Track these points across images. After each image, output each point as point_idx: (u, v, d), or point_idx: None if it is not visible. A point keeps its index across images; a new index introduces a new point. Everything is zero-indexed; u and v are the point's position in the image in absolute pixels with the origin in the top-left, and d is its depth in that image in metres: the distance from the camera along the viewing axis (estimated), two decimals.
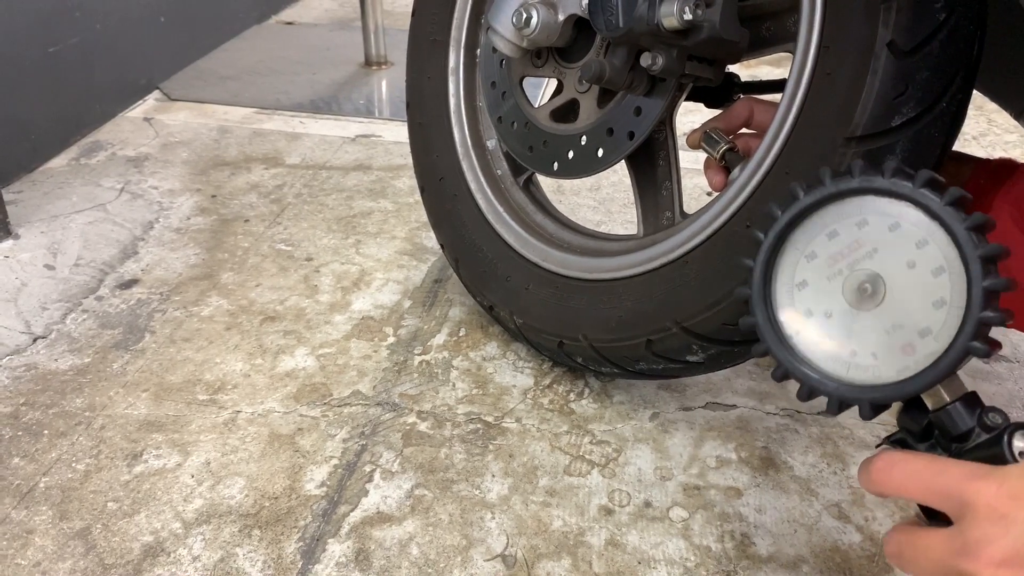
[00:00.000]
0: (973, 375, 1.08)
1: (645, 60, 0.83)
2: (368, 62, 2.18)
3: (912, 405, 0.59)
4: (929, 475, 0.53)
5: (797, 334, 0.62)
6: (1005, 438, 0.53)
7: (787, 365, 0.61)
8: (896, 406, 0.60)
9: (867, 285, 0.59)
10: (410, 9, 1.20)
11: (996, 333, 0.56)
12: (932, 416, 0.57)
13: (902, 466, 0.54)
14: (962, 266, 0.55)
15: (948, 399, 0.56)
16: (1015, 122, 1.08)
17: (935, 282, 0.56)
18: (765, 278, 0.64)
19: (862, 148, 0.73)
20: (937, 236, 0.57)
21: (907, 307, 0.57)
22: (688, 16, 0.77)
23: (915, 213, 0.58)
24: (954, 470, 0.52)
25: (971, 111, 1.94)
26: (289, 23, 2.58)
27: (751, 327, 0.63)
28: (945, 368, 0.55)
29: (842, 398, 0.59)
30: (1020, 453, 0.52)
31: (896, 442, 0.59)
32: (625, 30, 0.80)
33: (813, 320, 0.61)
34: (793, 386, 1.06)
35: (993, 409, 0.56)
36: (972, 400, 0.56)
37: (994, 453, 0.53)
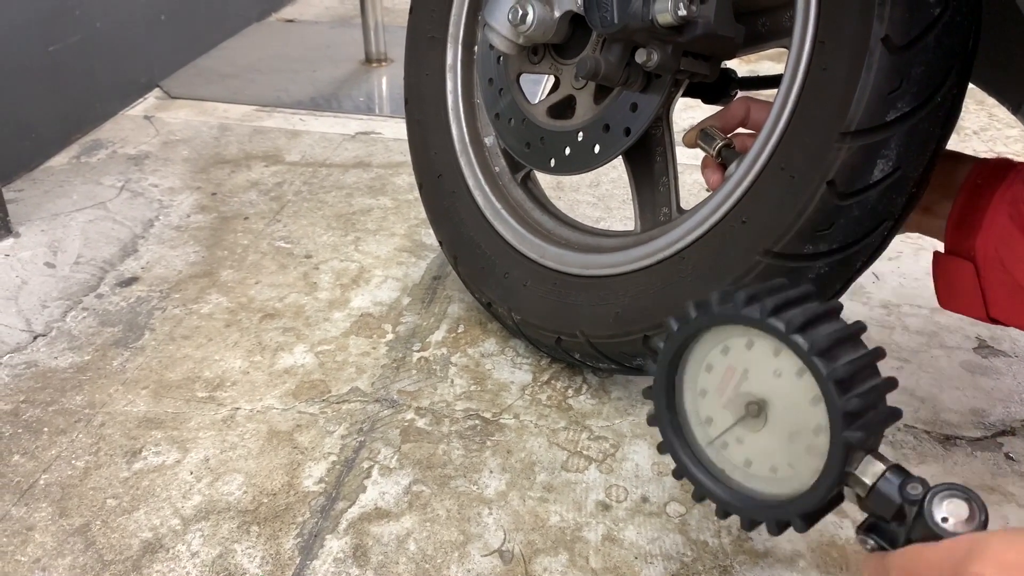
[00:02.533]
0: (972, 371, 1.08)
1: (640, 56, 0.83)
2: (368, 59, 2.18)
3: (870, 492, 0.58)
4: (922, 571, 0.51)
5: (726, 464, 0.64)
6: (926, 512, 0.52)
7: (726, 499, 0.63)
8: None
9: (753, 405, 0.61)
10: (409, 4, 1.20)
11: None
12: (866, 505, 0.56)
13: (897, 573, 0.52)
14: (808, 369, 0.56)
15: (869, 483, 0.55)
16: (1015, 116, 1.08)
17: (803, 383, 0.57)
18: (674, 425, 0.66)
19: (857, 143, 0.73)
20: (779, 346, 0.58)
21: (793, 413, 0.58)
22: (683, 12, 0.77)
23: (754, 331, 0.59)
24: (934, 558, 0.50)
25: (972, 106, 1.94)
26: (289, 20, 2.58)
27: (681, 474, 0.66)
28: (835, 467, 0.55)
29: (778, 521, 0.60)
30: (943, 520, 0.51)
31: (868, 529, 0.58)
32: (620, 26, 0.80)
33: (730, 449, 0.63)
34: None
35: (910, 479, 0.54)
36: (894, 475, 0.55)
37: (925, 530, 0.52)
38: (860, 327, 0.59)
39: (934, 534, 0.51)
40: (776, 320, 0.56)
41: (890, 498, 0.54)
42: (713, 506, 0.65)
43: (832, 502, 0.58)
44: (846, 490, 0.57)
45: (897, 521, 0.55)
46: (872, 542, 0.56)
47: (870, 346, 0.59)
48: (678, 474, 0.66)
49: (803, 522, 0.58)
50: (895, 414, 0.56)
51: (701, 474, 0.65)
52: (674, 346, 0.64)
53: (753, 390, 0.60)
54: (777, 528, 0.59)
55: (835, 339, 0.56)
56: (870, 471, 0.55)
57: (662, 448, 0.67)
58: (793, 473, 0.59)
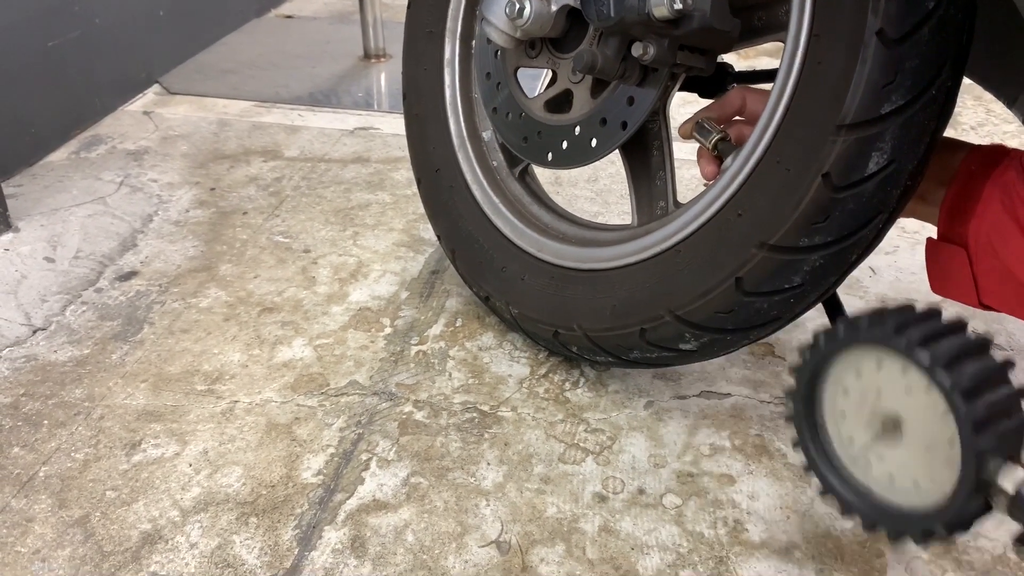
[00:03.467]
0: None
1: (637, 50, 0.83)
2: (367, 55, 2.18)
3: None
4: None
5: (873, 483, 0.67)
6: None
7: (872, 516, 0.66)
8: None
9: (888, 422, 0.63)
10: (406, 1, 1.21)
11: (993, 322, 0.56)
12: (1012, 513, 0.57)
13: None
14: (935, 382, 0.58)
15: (1011, 491, 0.56)
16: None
17: (932, 397, 0.59)
18: (819, 448, 0.71)
19: (852, 136, 0.74)
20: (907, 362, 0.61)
21: (926, 427, 0.60)
22: (679, 6, 0.77)
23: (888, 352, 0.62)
24: None
25: (970, 101, 1.94)
26: (288, 16, 2.58)
27: (831, 495, 0.70)
28: (968, 472, 0.56)
29: (924, 531, 0.62)
30: None
31: (1021, 540, 0.60)
32: (616, 20, 0.81)
33: (873, 467, 0.66)
34: (788, 375, 1.06)
35: None
36: None
37: None
38: (986, 340, 0.60)
39: None
40: (899, 337, 0.59)
41: None
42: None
43: (979, 511, 0.59)
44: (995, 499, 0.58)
45: None
46: None
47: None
48: (824, 491, 0.70)
49: (947, 531, 0.59)
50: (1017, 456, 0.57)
51: (845, 491, 0.68)
52: (818, 359, 0.68)
53: (887, 408, 0.63)
54: (923, 538, 0.61)
55: (959, 351, 0.57)
56: (1012, 478, 0.56)
57: (807, 469, 0.71)
58: (935, 485, 0.61)
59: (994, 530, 0.84)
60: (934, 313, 0.62)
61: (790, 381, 0.72)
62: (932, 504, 0.61)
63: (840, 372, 0.67)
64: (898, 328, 0.60)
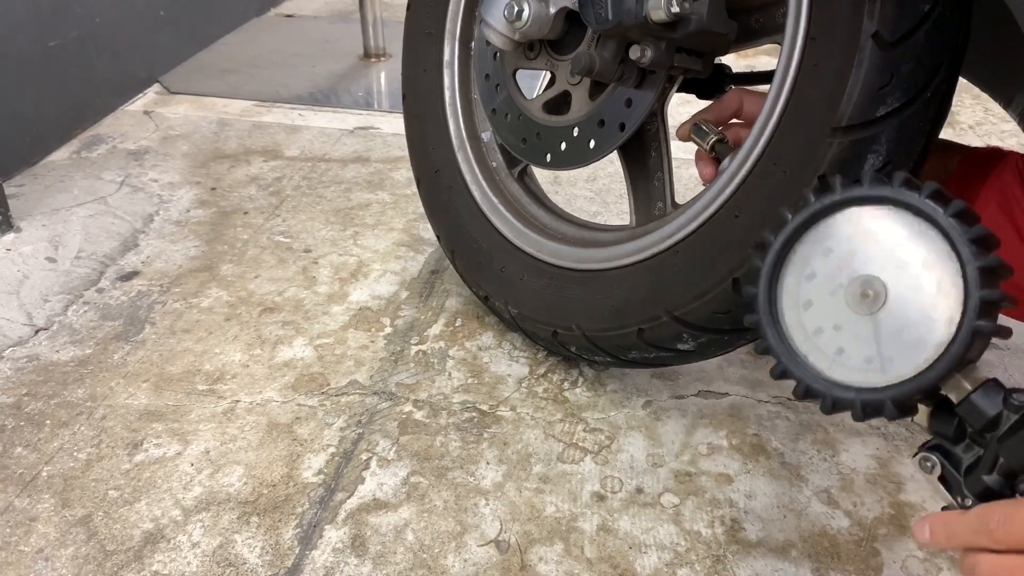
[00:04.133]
0: None
1: (634, 53, 0.84)
2: (367, 54, 2.18)
3: (940, 409, 0.59)
4: None
5: (812, 351, 0.63)
6: None
7: (807, 381, 0.62)
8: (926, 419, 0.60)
9: (868, 292, 0.60)
10: (406, 1, 1.21)
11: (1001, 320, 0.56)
12: (958, 410, 0.57)
13: (1014, 519, 0.51)
14: (953, 254, 0.56)
15: (969, 388, 0.56)
16: None
17: (929, 276, 0.57)
18: (770, 303, 0.65)
19: (848, 138, 0.74)
20: (923, 232, 0.58)
21: (909, 306, 0.58)
22: (675, 9, 0.78)
23: (898, 213, 0.59)
24: None
25: (968, 100, 1.95)
26: (288, 16, 2.59)
27: (764, 351, 0.65)
28: (957, 352, 0.55)
29: (864, 403, 0.59)
30: None
31: (932, 448, 0.59)
32: (614, 23, 0.81)
33: (824, 335, 0.63)
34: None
35: (1017, 390, 0.56)
36: (995, 385, 0.56)
37: (1015, 447, 0.53)
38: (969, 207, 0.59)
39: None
40: (933, 201, 0.57)
41: (986, 407, 0.55)
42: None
43: (924, 399, 0.59)
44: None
45: (971, 439, 0.56)
46: (935, 461, 0.58)
47: None
48: (761, 349, 0.65)
49: (896, 409, 0.58)
50: (1006, 330, 0.56)
51: (785, 354, 0.64)
52: (803, 218, 0.63)
53: (871, 278, 0.60)
54: (863, 412, 0.59)
55: (967, 211, 0.56)
56: (971, 377, 0.56)
57: (748, 322, 0.66)
58: (889, 366, 0.59)
59: None
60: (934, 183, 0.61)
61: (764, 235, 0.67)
62: (876, 384, 0.59)
63: (826, 231, 0.63)
64: (907, 184, 0.59)
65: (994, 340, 0.56)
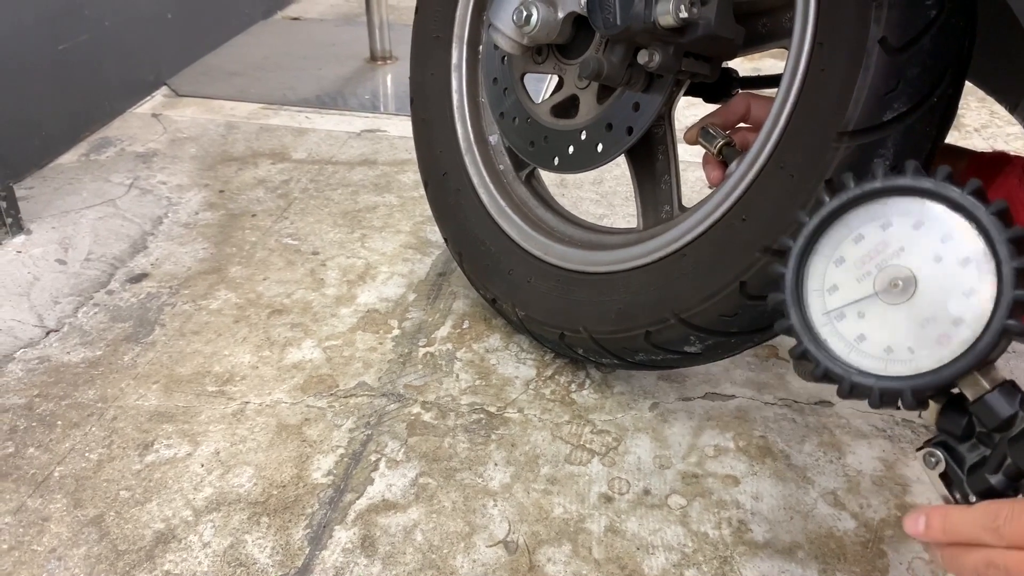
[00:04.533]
0: None
1: (642, 57, 0.84)
2: (373, 57, 2.19)
3: (950, 407, 0.60)
4: None
5: (832, 335, 0.64)
6: None
7: (826, 364, 0.63)
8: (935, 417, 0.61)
9: (898, 282, 0.61)
10: (415, 4, 1.22)
11: None
12: (972, 408, 0.57)
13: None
14: (990, 252, 0.57)
15: (987, 387, 0.56)
16: None
17: (963, 272, 0.58)
18: (797, 283, 0.66)
19: (854, 143, 0.75)
20: (961, 227, 0.59)
21: (938, 300, 0.59)
22: (684, 14, 0.78)
23: (938, 207, 0.60)
24: None
25: (974, 103, 1.95)
26: (295, 19, 2.60)
27: (787, 330, 0.65)
28: (983, 350, 0.55)
29: (883, 390, 0.59)
30: None
31: (938, 444, 0.60)
32: (622, 28, 0.82)
33: (846, 321, 0.63)
34: (791, 377, 1.07)
35: None
36: (1012, 387, 0.57)
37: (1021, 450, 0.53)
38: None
39: None
40: (975, 198, 0.57)
41: (1000, 407, 0.55)
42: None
43: (939, 394, 0.59)
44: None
45: (979, 439, 0.57)
46: (939, 457, 0.58)
47: None
48: (783, 328, 0.65)
49: (914, 399, 0.58)
50: None
51: (806, 335, 0.64)
52: (840, 202, 0.63)
53: (902, 269, 0.60)
54: (880, 400, 0.59)
55: (1001, 207, 0.57)
56: (989, 377, 0.56)
57: (773, 301, 0.66)
58: (911, 357, 0.59)
59: None
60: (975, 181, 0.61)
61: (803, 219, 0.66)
62: (899, 373, 0.59)
63: (861, 218, 0.63)
64: (950, 179, 0.59)
65: None
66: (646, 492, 0.91)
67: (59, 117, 1.67)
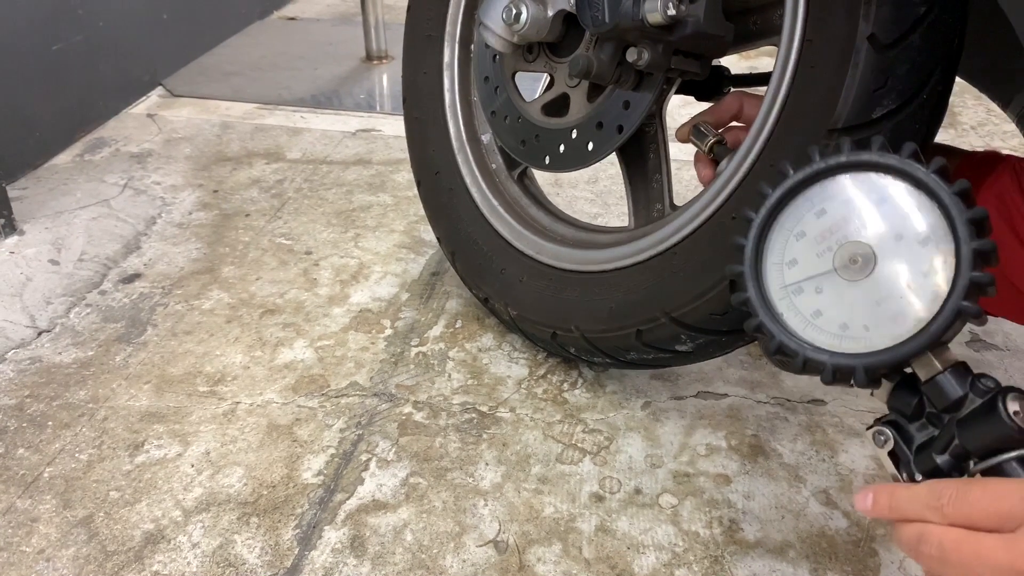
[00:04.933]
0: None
1: (631, 55, 0.84)
2: (369, 57, 2.19)
3: (902, 386, 0.60)
4: (987, 502, 0.51)
5: (788, 309, 0.63)
6: (1000, 401, 0.53)
7: (780, 338, 0.62)
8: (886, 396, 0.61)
9: (857, 258, 0.60)
10: (407, 4, 1.22)
11: (991, 323, 0.56)
12: (924, 387, 0.57)
13: (967, 497, 0.52)
14: (950, 232, 0.56)
15: (940, 367, 0.57)
16: None
17: (923, 251, 0.58)
18: (756, 256, 0.65)
19: (844, 140, 0.74)
20: (924, 206, 0.58)
21: (896, 278, 0.58)
22: (672, 12, 0.78)
23: (901, 185, 0.59)
24: (1006, 490, 0.50)
25: (970, 101, 1.94)
26: (291, 18, 2.59)
27: (743, 302, 0.65)
28: (937, 330, 0.55)
29: (836, 366, 0.59)
30: (1015, 414, 0.52)
31: (888, 423, 0.60)
32: (611, 25, 0.82)
33: (804, 296, 0.63)
34: (785, 376, 1.07)
35: (984, 376, 0.56)
36: (963, 369, 0.57)
37: (990, 417, 0.53)
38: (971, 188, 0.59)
39: (999, 422, 0.52)
40: (938, 176, 0.57)
41: (952, 388, 0.56)
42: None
43: (892, 373, 0.59)
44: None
45: (928, 419, 0.57)
46: (888, 436, 0.59)
47: None
48: (739, 300, 0.65)
49: (866, 376, 0.58)
50: (982, 314, 0.57)
51: (762, 309, 0.63)
52: (804, 175, 0.63)
53: (862, 245, 0.60)
54: (833, 376, 0.59)
55: (963, 187, 0.56)
56: (942, 358, 0.57)
57: (729, 272, 0.66)
58: (865, 335, 0.59)
59: None
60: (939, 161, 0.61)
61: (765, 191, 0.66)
62: (847, 351, 0.60)
63: (824, 192, 0.62)
64: (915, 156, 0.59)
65: (995, 342, 0.56)
66: (637, 491, 0.91)
67: (54, 117, 1.67)
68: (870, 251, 0.60)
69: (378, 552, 0.83)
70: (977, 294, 0.55)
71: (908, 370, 0.59)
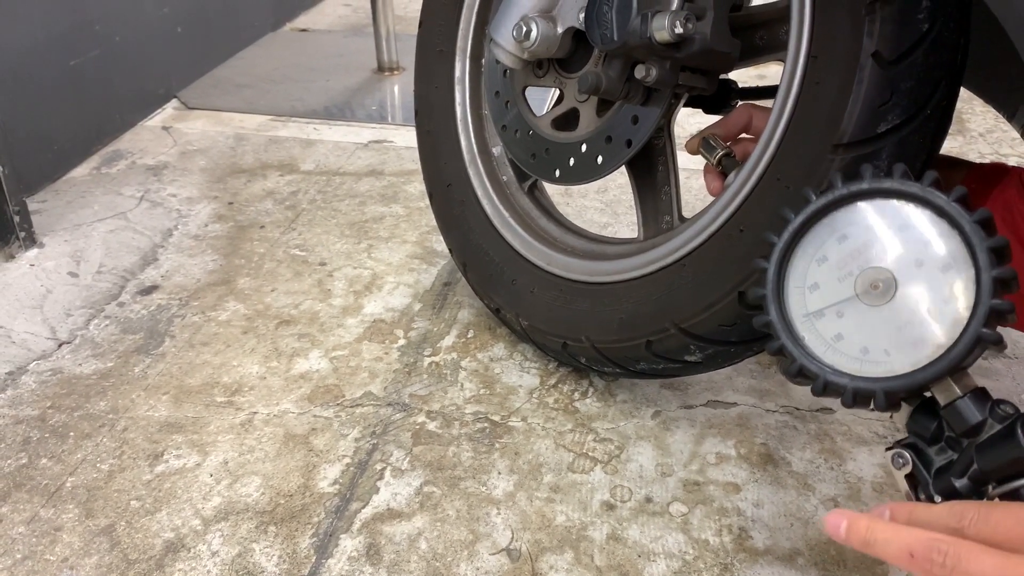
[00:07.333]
0: (972, 372, 1.10)
1: (639, 72, 0.85)
2: (381, 68, 2.21)
3: (921, 410, 0.61)
4: (1010, 524, 0.51)
5: (810, 332, 0.65)
6: (1018, 427, 0.54)
7: (801, 361, 0.63)
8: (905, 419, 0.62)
9: (878, 284, 0.62)
10: (419, 19, 1.24)
11: (1001, 332, 0.57)
12: (943, 412, 0.58)
13: (988, 518, 0.52)
14: (970, 259, 0.58)
15: (959, 393, 0.58)
16: None
17: (943, 278, 0.59)
18: (778, 279, 0.67)
19: (849, 155, 0.76)
20: (944, 233, 0.60)
21: (916, 304, 0.60)
22: (679, 30, 0.80)
23: (923, 212, 0.61)
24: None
25: (979, 108, 1.95)
26: (303, 30, 2.62)
27: (765, 325, 0.66)
28: (957, 356, 0.57)
29: (856, 390, 0.61)
30: None
31: (906, 446, 0.61)
32: (619, 43, 0.83)
33: (825, 320, 0.64)
34: (794, 385, 1.08)
35: (1003, 401, 0.57)
36: (982, 394, 0.58)
37: (1009, 442, 0.54)
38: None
39: (1018, 448, 0.53)
40: (959, 205, 0.58)
41: (971, 413, 0.57)
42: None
43: (911, 397, 0.60)
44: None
45: (947, 443, 0.58)
46: (907, 459, 0.60)
47: None
48: (761, 323, 0.66)
49: (886, 400, 0.59)
50: (1002, 342, 0.58)
51: (784, 331, 0.65)
52: (826, 201, 0.64)
53: (885, 271, 0.61)
54: (853, 400, 0.60)
55: (984, 216, 0.58)
56: (962, 383, 0.58)
57: (752, 296, 0.67)
58: (885, 360, 0.60)
59: None
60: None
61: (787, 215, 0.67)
62: (873, 374, 0.60)
63: (846, 218, 0.64)
64: (936, 184, 0.59)
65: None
66: (648, 500, 0.92)
67: (71, 131, 1.70)
68: (891, 277, 0.61)
69: (393, 560, 0.85)
70: (997, 321, 0.56)
71: (928, 394, 0.60)
